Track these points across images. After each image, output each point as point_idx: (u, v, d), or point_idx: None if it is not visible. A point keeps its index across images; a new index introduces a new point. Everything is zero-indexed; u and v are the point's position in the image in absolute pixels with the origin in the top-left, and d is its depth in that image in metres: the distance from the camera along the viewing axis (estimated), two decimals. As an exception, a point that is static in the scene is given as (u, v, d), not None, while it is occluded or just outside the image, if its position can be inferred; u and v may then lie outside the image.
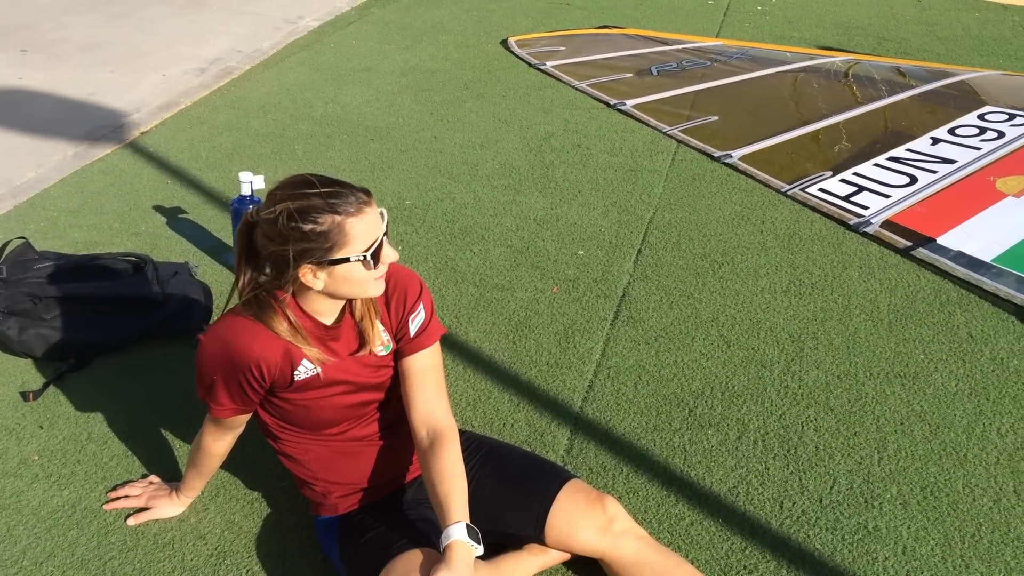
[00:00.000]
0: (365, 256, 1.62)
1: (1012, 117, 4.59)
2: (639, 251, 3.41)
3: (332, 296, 1.71)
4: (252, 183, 2.93)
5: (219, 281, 3.00)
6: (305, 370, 1.75)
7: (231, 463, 2.14)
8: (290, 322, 1.71)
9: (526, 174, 3.96)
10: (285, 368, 1.73)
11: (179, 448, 2.33)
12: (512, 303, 3.03)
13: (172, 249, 3.20)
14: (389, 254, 1.68)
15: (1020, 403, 2.70)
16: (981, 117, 4.61)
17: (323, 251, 1.60)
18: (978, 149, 4.25)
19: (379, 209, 1.67)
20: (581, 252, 3.37)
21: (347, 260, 1.62)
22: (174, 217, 3.42)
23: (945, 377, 2.80)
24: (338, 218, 1.59)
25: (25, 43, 5.10)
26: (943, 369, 2.84)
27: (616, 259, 3.34)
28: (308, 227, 1.58)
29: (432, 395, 1.85)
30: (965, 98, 4.93)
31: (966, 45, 6.61)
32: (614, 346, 2.84)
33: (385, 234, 1.67)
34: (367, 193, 1.64)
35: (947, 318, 3.11)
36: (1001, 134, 4.39)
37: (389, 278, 1.82)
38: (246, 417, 1.88)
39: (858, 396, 2.69)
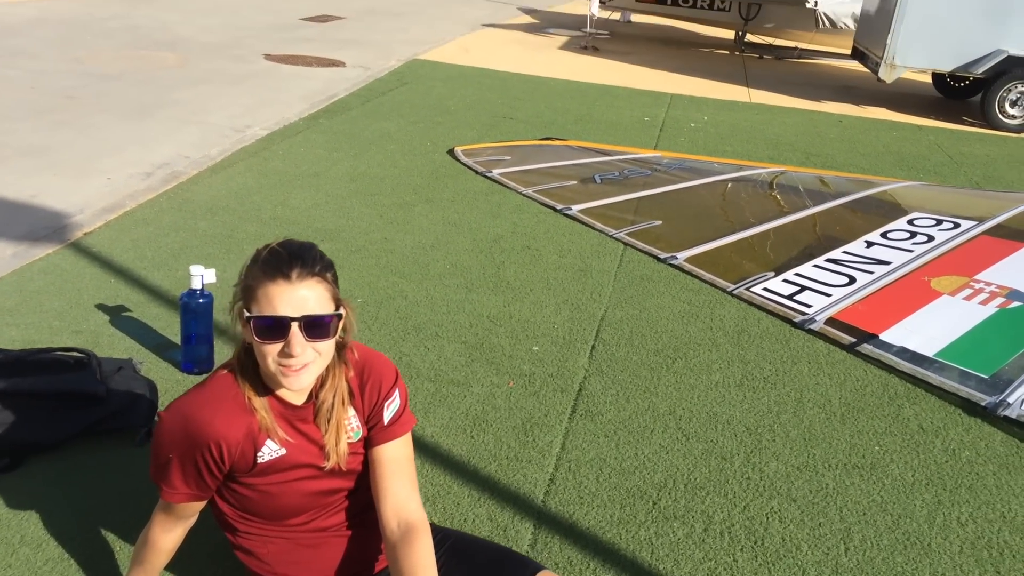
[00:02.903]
0: (248, 320, 1.60)
1: (939, 222, 4.83)
2: (593, 347, 3.42)
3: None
4: (203, 276, 2.87)
5: (165, 378, 2.89)
6: (269, 451, 1.68)
7: (181, 560, 2.00)
8: (257, 394, 1.66)
9: (477, 273, 3.97)
10: (247, 448, 1.66)
11: (120, 551, 2.18)
12: (468, 398, 2.98)
13: (115, 347, 3.08)
14: (293, 345, 1.58)
15: (976, 492, 2.73)
16: (910, 222, 4.84)
17: (242, 296, 1.64)
18: (910, 251, 4.43)
19: (313, 303, 1.60)
20: (536, 348, 3.36)
21: (246, 319, 1.62)
22: (117, 315, 3.32)
23: (901, 468, 2.82)
24: (257, 272, 1.61)
25: (-36, 147, 5.02)
26: (898, 460, 2.86)
27: (571, 354, 3.34)
28: (247, 268, 1.64)
29: (404, 486, 1.78)
30: (892, 206, 5.18)
31: (887, 160, 6.99)
32: (574, 439, 2.80)
33: (301, 325, 1.58)
34: (306, 277, 1.60)
35: (897, 411, 3.16)
36: (931, 238, 4.60)
37: (364, 364, 1.79)
38: (199, 506, 1.77)
39: (819, 487, 2.68)
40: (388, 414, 1.79)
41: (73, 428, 2.48)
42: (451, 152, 5.81)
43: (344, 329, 1.71)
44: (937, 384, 3.32)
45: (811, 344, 3.61)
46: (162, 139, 5.51)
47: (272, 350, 1.61)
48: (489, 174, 5.35)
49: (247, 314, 1.62)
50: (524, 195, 5.05)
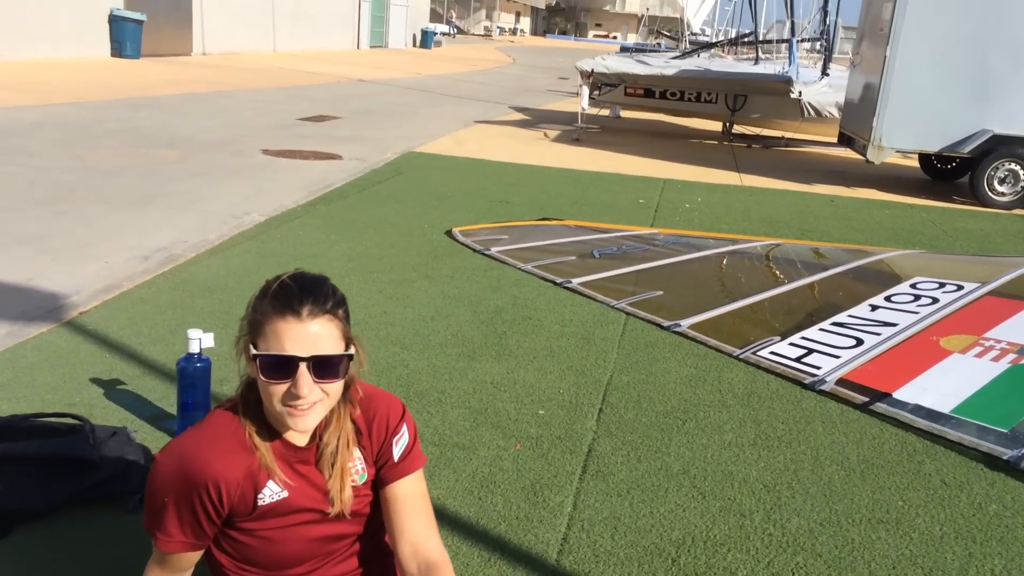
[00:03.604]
0: (255, 357, 1.53)
1: (943, 285, 4.81)
2: (600, 410, 3.33)
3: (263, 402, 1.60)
4: (201, 340, 2.81)
5: (159, 447, 2.78)
6: (271, 493, 1.59)
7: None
8: (258, 432, 1.59)
9: (479, 343, 3.91)
10: (247, 490, 1.57)
11: (109, 619, 2.05)
12: (475, 460, 2.88)
13: (109, 419, 2.99)
14: (300, 386, 1.51)
15: (1008, 545, 2.62)
16: (913, 286, 4.82)
17: (248, 331, 1.58)
18: (916, 313, 4.39)
19: (323, 341, 1.54)
20: (542, 412, 3.27)
21: (252, 355, 1.54)
22: (112, 388, 3.23)
23: (928, 522, 2.71)
24: (265, 307, 1.54)
25: (-39, 236, 5.01)
26: (924, 514, 2.75)
27: (578, 418, 3.25)
28: (255, 302, 1.57)
29: (422, 524, 1.69)
30: (892, 272, 5.16)
31: (882, 236, 7.03)
32: (585, 499, 2.69)
33: (310, 365, 1.52)
34: (317, 314, 1.54)
35: (917, 467, 3.06)
36: (936, 300, 4.57)
37: (369, 401, 1.72)
38: (195, 557, 1.66)
39: (845, 542, 2.56)
40: (398, 450, 1.72)
41: (64, 494, 2.37)
42: (449, 233, 5.82)
43: (353, 368, 1.64)
44: (956, 440, 3.23)
45: (823, 404, 3.52)
46: (160, 226, 5.52)
47: (278, 390, 1.54)
48: (487, 252, 5.34)
49: (253, 351, 1.55)
50: (523, 270, 5.03)
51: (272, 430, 1.63)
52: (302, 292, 1.55)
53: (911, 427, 3.33)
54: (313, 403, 1.55)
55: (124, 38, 16.73)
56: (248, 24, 22.41)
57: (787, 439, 3.21)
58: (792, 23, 16.43)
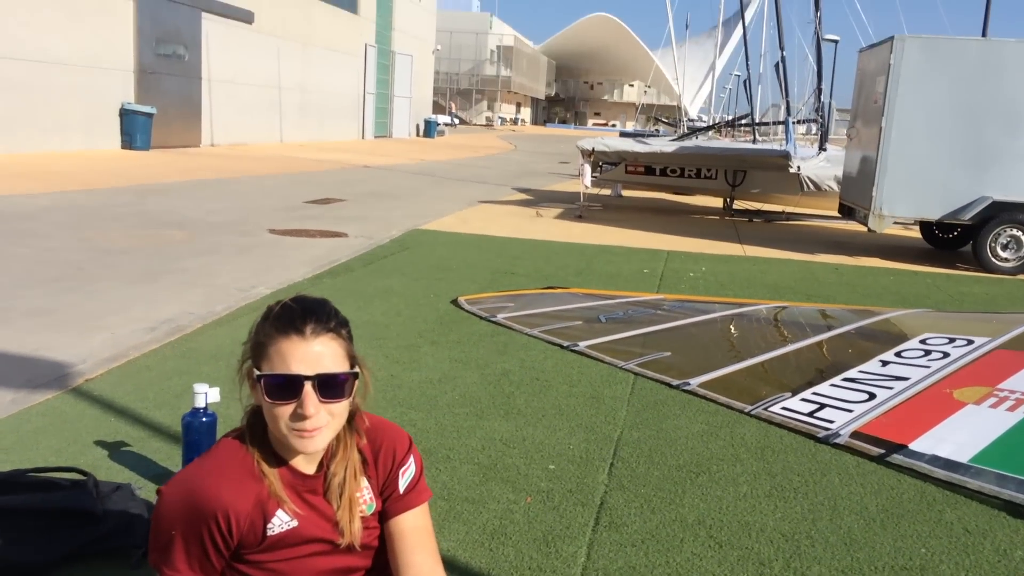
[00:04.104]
0: (259, 378, 1.51)
1: (952, 340, 4.78)
2: (612, 464, 3.27)
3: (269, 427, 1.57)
4: (207, 395, 2.79)
5: (164, 504, 2.73)
6: (280, 522, 1.56)
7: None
8: (266, 459, 1.56)
9: (487, 403, 3.87)
10: (256, 519, 1.54)
11: (109, 673, 1.98)
12: (485, 514, 2.81)
13: (113, 478, 2.92)
14: (307, 405, 1.49)
15: (1037, 589, 2.53)
16: (923, 341, 4.79)
17: (251, 355, 1.57)
18: (928, 367, 4.35)
19: (330, 360, 1.52)
20: (552, 466, 3.22)
21: (256, 377, 1.53)
22: (116, 450, 3.19)
23: (953, 568, 2.64)
24: (268, 329, 1.53)
25: (-31, 312, 5.02)
26: (948, 561, 2.68)
27: (589, 472, 3.19)
28: (257, 326, 1.56)
29: (427, 559, 1.65)
30: (899, 331, 5.14)
31: (888, 300, 7.03)
32: (599, 550, 2.62)
33: (314, 384, 1.50)
34: (321, 333, 1.52)
35: (938, 515, 2.99)
36: (946, 354, 4.53)
37: (376, 431, 1.70)
38: (204, 594, 1.61)
39: (868, 588, 2.48)
40: (404, 482, 1.68)
41: (67, 548, 2.32)
42: (454, 302, 5.84)
43: (359, 391, 1.63)
44: (976, 489, 3.16)
45: (839, 457, 3.46)
46: (168, 300, 5.54)
47: (284, 411, 1.52)
48: (494, 319, 5.34)
49: (257, 372, 1.54)
50: (530, 335, 5.02)
51: (279, 458, 1.60)
52: (305, 312, 1.55)
53: (929, 477, 3.26)
54: (319, 426, 1.53)
55: (134, 131, 17.13)
56: (255, 116, 22.97)
57: (803, 490, 3.14)
58: (787, 103, 16.81)
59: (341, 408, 1.57)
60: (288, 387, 1.51)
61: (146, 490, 2.84)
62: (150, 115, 17.33)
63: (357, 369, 1.59)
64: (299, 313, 1.55)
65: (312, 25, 26.23)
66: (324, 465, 1.63)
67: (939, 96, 8.95)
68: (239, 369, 1.61)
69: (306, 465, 1.62)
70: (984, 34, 15.90)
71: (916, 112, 8.97)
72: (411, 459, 1.71)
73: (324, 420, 1.53)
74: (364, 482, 1.67)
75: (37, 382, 3.90)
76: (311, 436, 1.53)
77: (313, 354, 1.52)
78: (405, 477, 1.69)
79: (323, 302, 1.61)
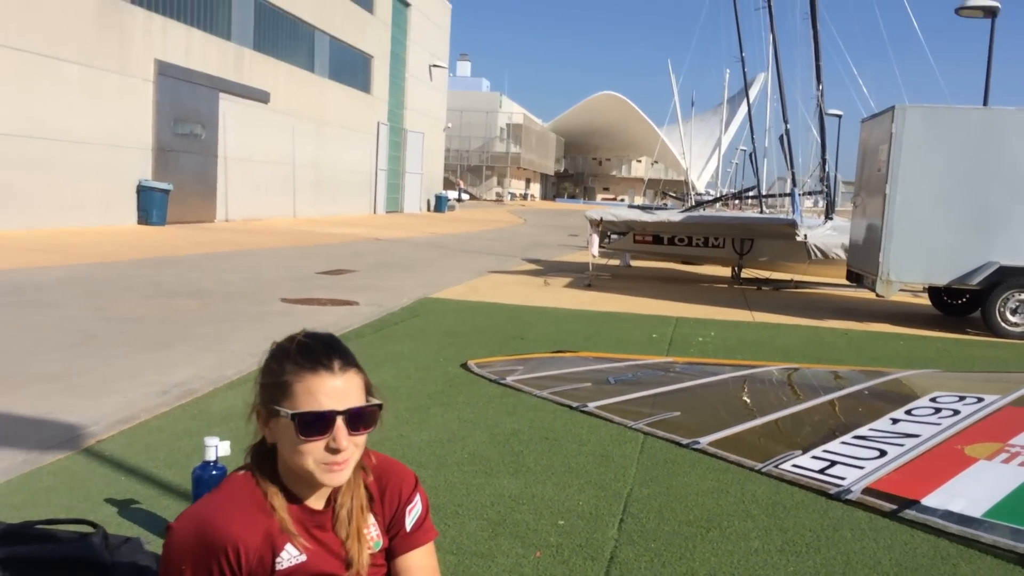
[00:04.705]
0: (294, 417, 1.52)
1: (963, 398, 4.76)
2: (621, 520, 3.25)
3: (288, 464, 1.58)
4: (217, 448, 2.81)
5: (172, 559, 2.73)
6: (289, 556, 1.57)
7: None
8: (277, 494, 1.58)
9: (496, 461, 3.87)
10: (265, 553, 1.55)
11: None
12: (494, 568, 2.80)
13: (122, 533, 2.94)
14: (340, 439, 1.52)
15: (1056, 641, 2.49)
16: (933, 400, 4.77)
17: (269, 395, 1.57)
18: (938, 424, 4.33)
19: (359, 394, 1.56)
20: (562, 522, 3.20)
21: (278, 413, 1.54)
22: (126, 507, 3.20)
23: (969, 621, 2.59)
24: (291, 367, 1.54)
25: (-16, 377, 5.08)
26: (964, 614, 2.63)
27: (599, 527, 3.17)
28: (272, 365, 1.57)
29: None
30: (909, 390, 5.12)
31: (898, 363, 7.00)
32: (609, 602, 2.59)
33: (346, 419, 1.54)
34: (346, 368, 1.56)
35: (952, 569, 2.96)
36: (956, 412, 4.51)
37: (382, 469, 1.71)
38: (211, 633, 1.61)
39: (882, 640, 2.44)
40: (410, 520, 1.70)
41: (73, 598, 2.32)
42: (464, 365, 5.86)
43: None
44: (990, 543, 3.12)
45: (851, 513, 3.43)
46: (180, 364, 5.59)
47: (315, 447, 1.54)
48: (503, 381, 5.36)
49: (286, 411, 1.55)
50: (539, 397, 5.03)
51: (290, 494, 1.62)
52: (326, 347, 1.58)
53: (943, 532, 3.23)
54: (347, 459, 1.55)
55: (151, 207, 17.45)
56: (269, 192, 23.38)
57: (815, 545, 3.11)
58: (792, 173, 17.03)
59: (364, 439, 1.60)
60: (320, 423, 1.53)
61: (155, 544, 2.83)
62: (167, 191, 17.68)
63: (380, 401, 1.62)
64: (322, 349, 1.58)
65: (326, 104, 26.89)
66: (332, 500, 1.65)
67: (942, 163, 9.06)
68: (250, 414, 1.64)
69: (316, 501, 1.64)
70: (985, 103, 16.16)
71: (920, 179, 9.08)
72: (417, 497, 1.73)
73: (352, 452, 1.56)
74: (371, 519, 1.68)
75: (49, 443, 3.92)
76: (342, 468, 1.55)
77: (341, 389, 1.55)
78: (412, 515, 1.70)
79: (334, 336, 1.65)
